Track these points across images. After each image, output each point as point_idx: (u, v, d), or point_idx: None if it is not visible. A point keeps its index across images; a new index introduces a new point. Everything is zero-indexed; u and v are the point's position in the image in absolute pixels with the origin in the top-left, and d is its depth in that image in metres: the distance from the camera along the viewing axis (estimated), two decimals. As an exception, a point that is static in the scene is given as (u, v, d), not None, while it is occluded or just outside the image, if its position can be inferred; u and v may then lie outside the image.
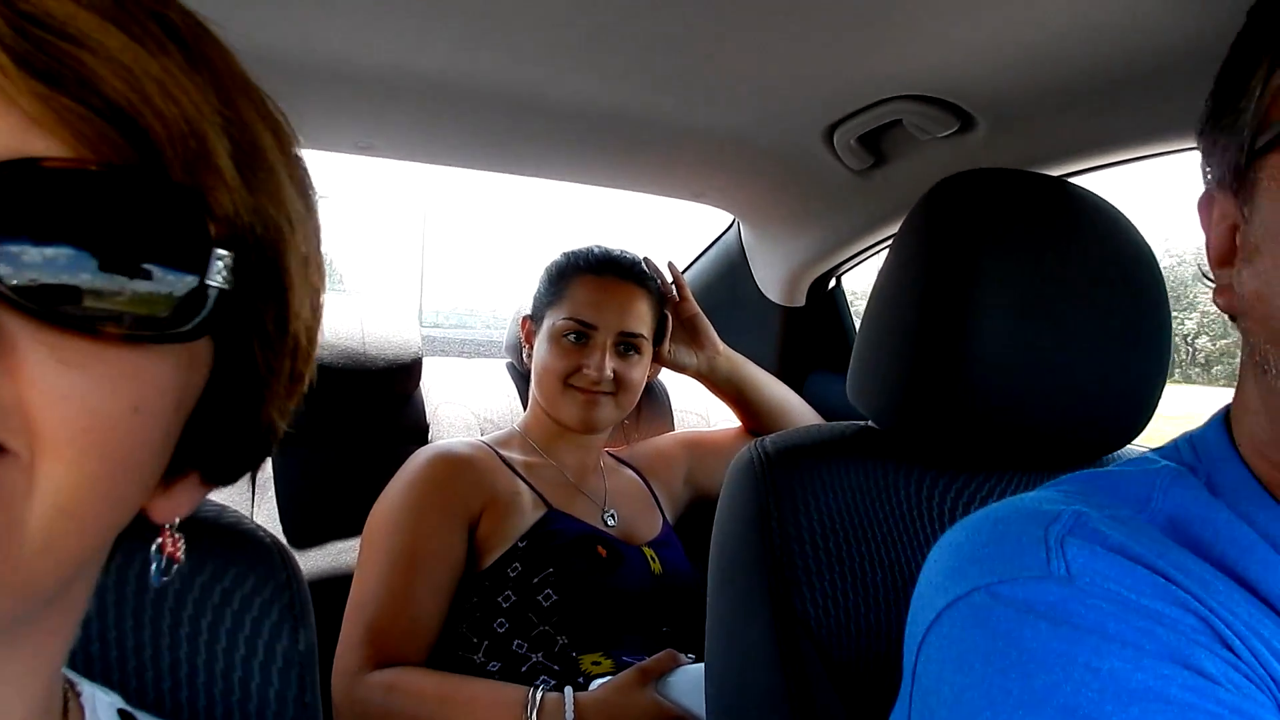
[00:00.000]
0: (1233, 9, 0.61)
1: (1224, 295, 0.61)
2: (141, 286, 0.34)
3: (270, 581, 0.71)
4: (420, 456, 1.62)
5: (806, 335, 2.11)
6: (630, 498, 1.77)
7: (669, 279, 1.83)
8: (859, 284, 2.10)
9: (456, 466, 1.59)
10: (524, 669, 1.49)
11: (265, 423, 0.44)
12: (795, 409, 1.90)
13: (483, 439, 1.73)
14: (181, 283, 0.35)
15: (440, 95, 1.38)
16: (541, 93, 1.38)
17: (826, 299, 2.08)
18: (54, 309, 0.33)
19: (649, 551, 1.66)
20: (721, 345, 1.87)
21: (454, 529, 1.53)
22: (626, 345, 1.68)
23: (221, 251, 0.36)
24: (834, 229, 1.83)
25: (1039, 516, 0.59)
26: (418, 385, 2.02)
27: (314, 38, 1.17)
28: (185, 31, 0.37)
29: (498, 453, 1.67)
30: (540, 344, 1.72)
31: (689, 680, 1.39)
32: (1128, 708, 0.47)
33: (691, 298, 1.85)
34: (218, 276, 0.36)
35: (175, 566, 0.44)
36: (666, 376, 2.12)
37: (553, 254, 1.79)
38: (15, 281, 0.32)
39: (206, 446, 0.42)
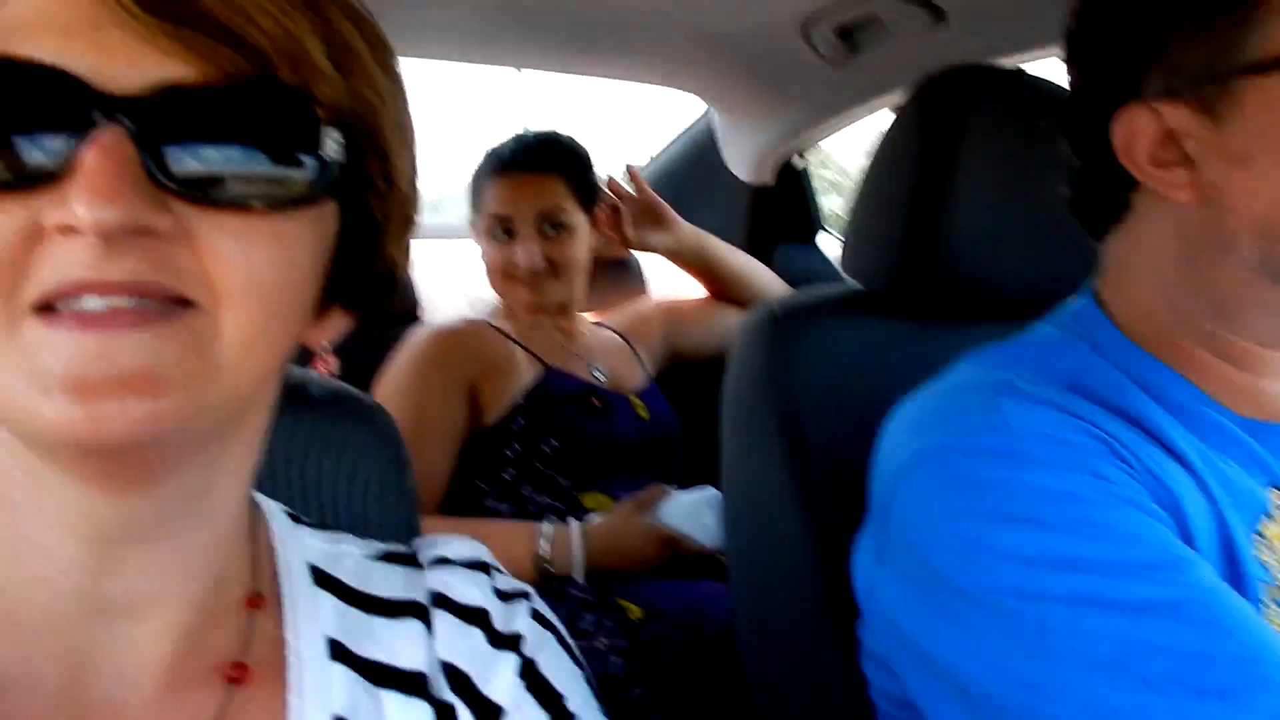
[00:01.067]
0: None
1: (1183, 191, 0.75)
2: (274, 169, 0.45)
3: (385, 437, 0.87)
4: (419, 334, 1.77)
5: (773, 212, 2.28)
6: (614, 354, 1.95)
7: (625, 185, 1.99)
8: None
9: (454, 340, 1.75)
10: (532, 510, 1.68)
11: (388, 259, 0.56)
12: (760, 276, 2.09)
13: (473, 314, 1.89)
14: (304, 160, 0.45)
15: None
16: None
17: (793, 177, 2.25)
18: (212, 195, 0.43)
19: (636, 401, 1.85)
20: (685, 223, 2.03)
21: (456, 395, 1.70)
22: (551, 226, 1.81)
23: (331, 131, 0.46)
24: (805, 113, 1.98)
25: (976, 387, 0.78)
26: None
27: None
28: None
29: (490, 324, 1.83)
30: (480, 244, 1.88)
31: (678, 506, 1.62)
32: (1052, 505, 0.67)
33: (646, 185, 2.00)
34: (331, 151, 0.47)
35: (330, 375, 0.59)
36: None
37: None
38: (183, 179, 0.43)
39: (345, 283, 0.54)
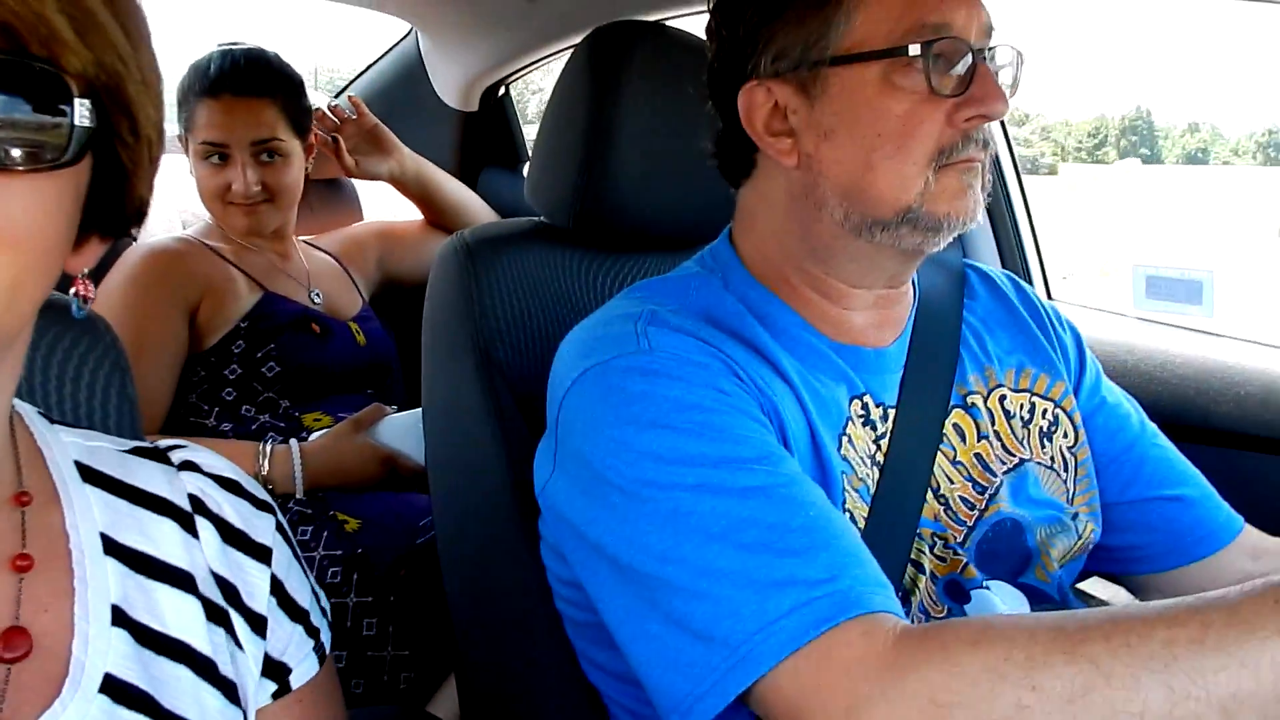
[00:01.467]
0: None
1: (788, 156, 0.94)
2: (30, 135, 0.51)
3: (106, 345, 0.93)
4: (133, 254, 1.75)
5: (479, 137, 2.38)
6: (330, 278, 2.01)
7: (346, 109, 2.02)
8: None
9: (171, 260, 1.74)
10: (254, 428, 1.74)
11: (138, 195, 0.63)
12: (473, 204, 2.20)
13: (187, 233, 1.88)
14: (58, 125, 0.52)
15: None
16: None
17: (497, 105, 2.37)
18: None
19: (354, 326, 1.92)
20: (406, 150, 2.10)
21: (175, 317, 1.71)
22: (266, 153, 1.83)
23: (80, 102, 0.53)
24: (506, 44, 2.09)
25: (628, 317, 0.93)
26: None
27: None
28: None
29: (206, 244, 1.83)
30: (191, 163, 1.87)
31: (395, 425, 1.72)
32: (682, 413, 0.83)
33: (369, 113, 2.05)
34: (82, 116, 0.53)
35: (89, 302, 0.67)
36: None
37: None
38: None
39: (100, 217, 0.61)
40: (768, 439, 0.84)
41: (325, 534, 1.60)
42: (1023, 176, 1.71)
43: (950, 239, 0.92)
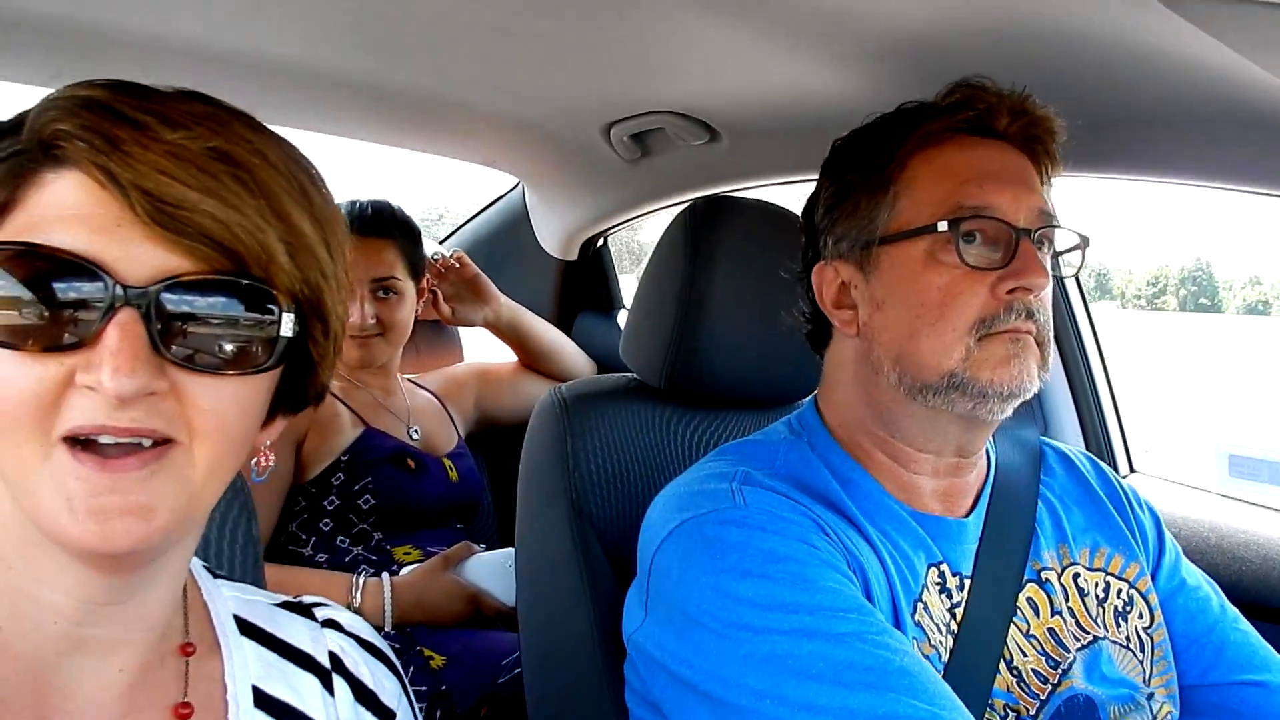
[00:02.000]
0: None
1: (850, 326, 1.03)
2: (244, 343, 0.61)
3: (236, 488, 1.01)
4: None
5: (578, 283, 2.51)
6: (429, 416, 2.10)
7: (453, 262, 2.18)
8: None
9: None
10: (347, 560, 1.81)
11: (321, 381, 0.73)
12: (566, 349, 2.30)
13: None
14: (266, 335, 0.61)
15: (286, 69, 1.62)
16: (375, 79, 1.65)
17: (595, 255, 2.50)
18: (197, 363, 0.59)
19: (448, 462, 2.01)
20: (503, 298, 2.22)
21: (284, 449, 1.81)
22: (383, 290, 1.96)
23: (286, 315, 0.63)
24: (605, 201, 2.22)
25: (723, 476, 1.00)
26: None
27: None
28: (252, 176, 0.60)
29: None
30: None
31: (481, 564, 1.78)
32: (776, 564, 0.88)
33: (470, 263, 2.19)
34: (287, 328, 0.63)
35: (266, 471, 0.75)
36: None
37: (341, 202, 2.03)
38: (175, 350, 0.58)
39: (288, 398, 0.71)
40: (855, 592, 0.88)
41: (411, 669, 1.64)
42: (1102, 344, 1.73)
43: (1005, 407, 0.97)
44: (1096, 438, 1.71)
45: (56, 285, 0.56)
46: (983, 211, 0.96)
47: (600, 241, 2.49)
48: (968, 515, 1.04)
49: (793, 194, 1.88)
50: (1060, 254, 1.04)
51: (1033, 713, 0.96)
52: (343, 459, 1.85)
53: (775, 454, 1.05)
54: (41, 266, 0.56)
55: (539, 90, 1.72)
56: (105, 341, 0.55)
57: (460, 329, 2.50)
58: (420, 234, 2.09)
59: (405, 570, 1.78)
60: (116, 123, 0.58)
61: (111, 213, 0.56)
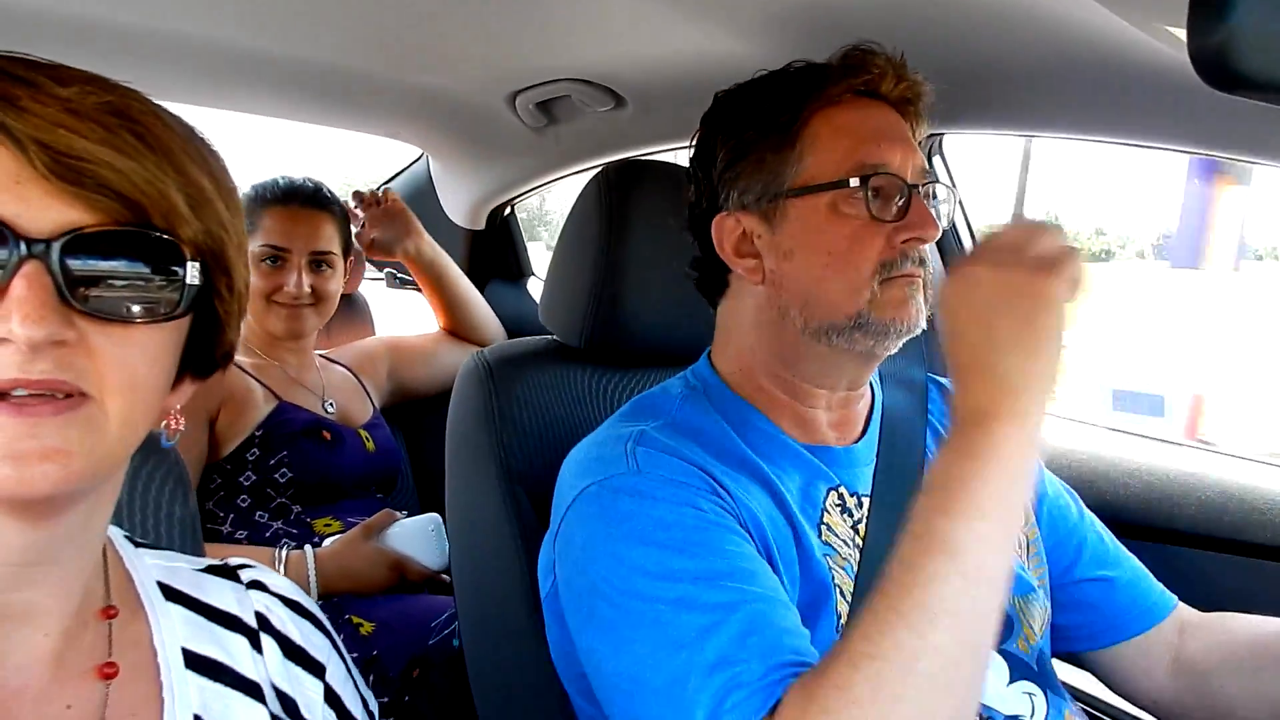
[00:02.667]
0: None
1: (755, 274, 1.08)
2: (150, 293, 0.62)
3: (170, 463, 1.02)
4: None
5: (486, 253, 2.52)
6: (343, 389, 2.11)
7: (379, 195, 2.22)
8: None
9: None
10: (267, 535, 1.81)
11: (228, 341, 0.74)
12: (480, 304, 2.35)
13: None
14: (172, 284, 0.62)
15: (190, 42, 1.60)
16: (270, 51, 1.64)
17: (503, 224, 2.51)
18: (104, 313, 0.60)
19: (364, 433, 2.02)
20: (427, 237, 2.25)
21: (197, 426, 1.79)
22: (318, 262, 1.98)
23: (191, 264, 0.64)
24: (512, 170, 2.23)
25: (620, 438, 1.03)
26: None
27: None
28: (148, 131, 0.61)
29: None
30: None
31: (405, 531, 1.79)
32: (664, 530, 0.92)
33: (398, 198, 2.23)
34: (192, 276, 0.64)
35: (178, 435, 0.76)
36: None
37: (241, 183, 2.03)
38: (82, 301, 0.59)
39: (195, 360, 0.71)
40: (746, 551, 0.93)
41: (341, 636, 1.63)
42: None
43: (897, 344, 1.05)
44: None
45: None
46: (881, 169, 1.03)
47: (508, 210, 2.50)
48: (858, 441, 1.12)
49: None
50: (939, 204, 1.11)
51: None
52: (257, 434, 1.85)
53: (671, 408, 1.10)
54: None
55: (441, 60, 1.73)
56: (12, 293, 0.56)
57: (370, 308, 2.50)
58: (349, 214, 2.11)
59: (328, 542, 1.78)
60: (9, 81, 0.58)
61: (9, 169, 0.57)
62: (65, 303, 0.58)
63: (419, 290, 2.51)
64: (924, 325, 1.05)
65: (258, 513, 1.83)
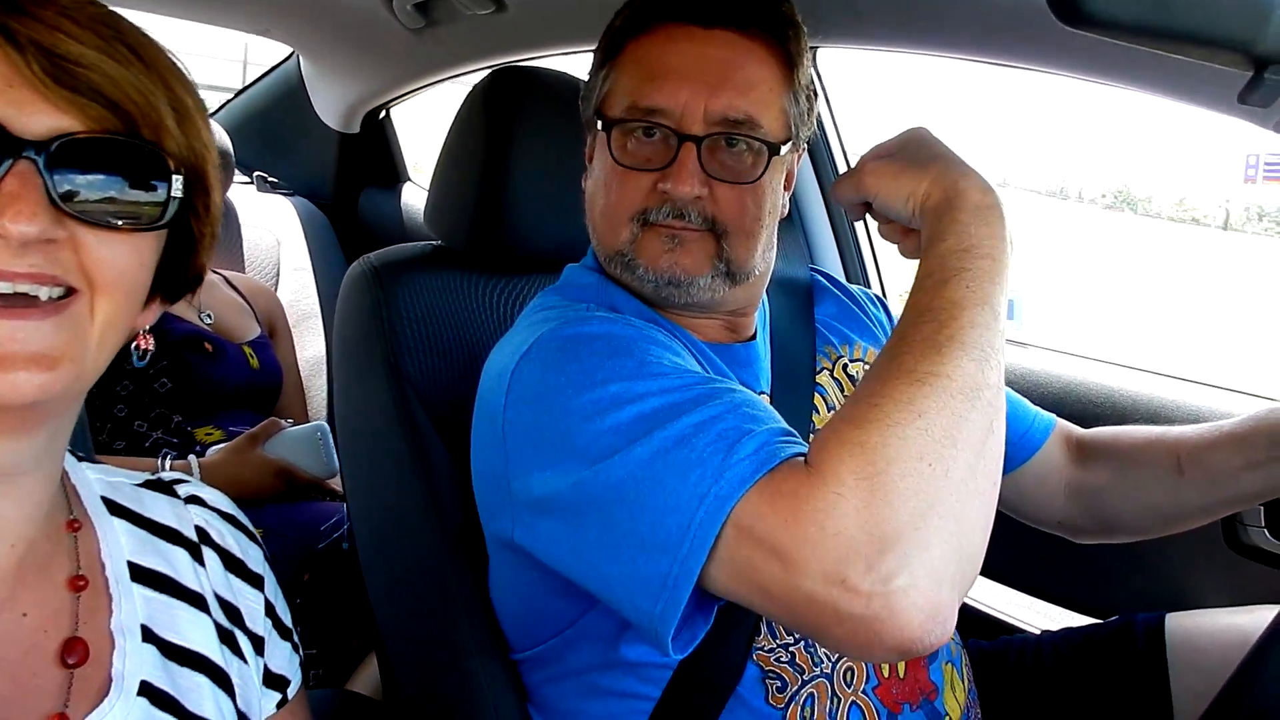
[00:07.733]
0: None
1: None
2: (136, 200, 0.64)
3: None
4: None
5: (360, 157, 2.47)
6: (225, 304, 2.08)
7: None
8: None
9: None
10: (147, 445, 1.79)
11: (200, 263, 0.75)
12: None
13: None
14: (157, 195, 0.66)
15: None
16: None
17: (378, 127, 2.45)
18: (92, 216, 0.62)
19: (248, 350, 2.00)
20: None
21: None
22: None
23: (176, 177, 0.66)
24: (389, 72, 2.18)
25: (560, 307, 1.06)
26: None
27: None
28: (141, 49, 0.64)
29: None
30: None
31: (291, 439, 1.80)
32: (615, 361, 0.87)
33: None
34: (177, 188, 0.66)
35: (148, 354, 0.77)
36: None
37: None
38: (73, 203, 0.60)
39: (166, 281, 0.72)
40: (691, 369, 0.93)
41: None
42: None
43: (677, 294, 1.03)
44: (853, 270, 1.92)
45: None
46: (653, 115, 1.00)
47: (383, 114, 2.45)
48: (753, 338, 1.15)
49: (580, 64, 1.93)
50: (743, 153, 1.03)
51: None
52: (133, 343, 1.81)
53: (592, 289, 1.10)
54: None
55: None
56: (4, 189, 0.57)
57: (238, 212, 2.43)
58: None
59: (212, 450, 1.77)
60: None
61: (3, 73, 0.58)
62: (55, 205, 0.59)
63: (289, 194, 2.47)
64: (706, 279, 1.03)
65: (136, 422, 1.80)
